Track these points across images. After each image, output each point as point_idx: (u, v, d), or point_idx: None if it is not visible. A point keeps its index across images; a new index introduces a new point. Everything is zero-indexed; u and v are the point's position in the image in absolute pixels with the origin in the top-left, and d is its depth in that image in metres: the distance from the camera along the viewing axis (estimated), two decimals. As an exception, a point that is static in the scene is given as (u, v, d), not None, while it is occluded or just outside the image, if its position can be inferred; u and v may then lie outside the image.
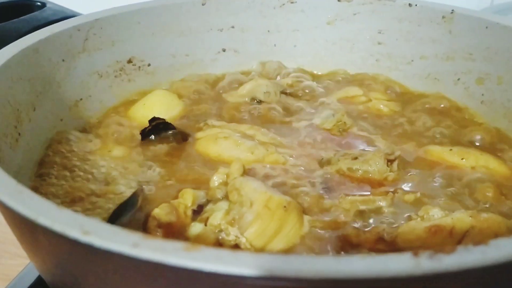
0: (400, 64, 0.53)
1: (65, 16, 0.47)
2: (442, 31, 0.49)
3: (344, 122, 0.45)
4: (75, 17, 0.45)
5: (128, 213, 0.34)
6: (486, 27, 0.45)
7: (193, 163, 0.41)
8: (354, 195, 0.36)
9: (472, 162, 0.40)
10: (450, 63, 0.49)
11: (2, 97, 0.35)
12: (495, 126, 0.45)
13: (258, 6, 0.54)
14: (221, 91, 0.52)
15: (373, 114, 0.48)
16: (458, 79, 0.48)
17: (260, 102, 0.50)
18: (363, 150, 0.41)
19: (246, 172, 0.38)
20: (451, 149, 0.41)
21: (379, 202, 0.35)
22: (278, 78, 0.55)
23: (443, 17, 0.48)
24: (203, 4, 0.53)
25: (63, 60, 0.43)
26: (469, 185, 0.37)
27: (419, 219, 0.33)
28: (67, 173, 0.38)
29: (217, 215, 0.32)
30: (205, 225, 0.32)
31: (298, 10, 0.54)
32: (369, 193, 0.36)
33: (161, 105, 0.48)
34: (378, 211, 0.35)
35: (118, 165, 0.40)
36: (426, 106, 0.48)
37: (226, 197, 0.35)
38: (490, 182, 0.37)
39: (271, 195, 0.32)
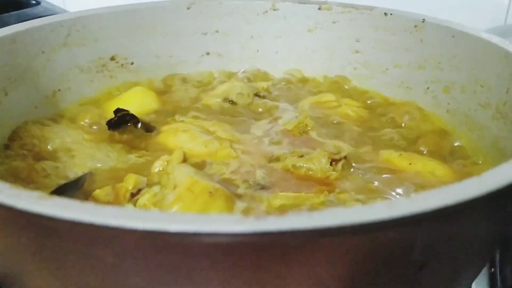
0: (376, 72, 0.53)
1: (55, 13, 0.51)
2: (415, 40, 0.49)
3: (306, 124, 0.46)
4: (60, 14, 0.48)
5: (70, 193, 0.36)
6: (453, 36, 0.45)
7: (150, 152, 0.43)
8: (288, 192, 0.37)
9: (419, 167, 0.39)
10: (421, 71, 0.49)
11: (-30, 79, 0.38)
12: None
13: (242, 12, 0.56)
14: (198, 91, 0.54)
15: (339, 119, 0.48)
16: (428, 88, 0.48)
17: (232, 102, 0.52)
18: (312, 149, 0.42)
19: (190, 162, 0.39)
20: (400, 154, 0.41)
21: (310, 200, 0.35)
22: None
23: (415, 26, 0.48)
24: (188, 8, 0.55)
25: (42, 52, 0.46)
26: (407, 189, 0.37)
27: (342, 213, 0.33)
28: (25, 152, 0.41)
29: (145, 197, 0.34)
30: (134, 205, 0.34)
31: (280, 17, 0.56)
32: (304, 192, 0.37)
33: (136, 100, 0.51)
34: (307, 207, 0.35)
35: (79, 150, 0.43)
36: (391, 115, 0.48)
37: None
38: (429, 187, 0.37)
39: (197, 179, 0.34)
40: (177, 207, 0.32)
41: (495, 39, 0.41)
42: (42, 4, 0.52)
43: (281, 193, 0.36)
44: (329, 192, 0.37)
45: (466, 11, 0.84)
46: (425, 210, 0.20)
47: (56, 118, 0.47)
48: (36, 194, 0.20)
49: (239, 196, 0.36)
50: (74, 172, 0.40)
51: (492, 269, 0.39)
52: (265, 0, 0.56)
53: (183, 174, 0.34)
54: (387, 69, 0.52)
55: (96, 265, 0.21)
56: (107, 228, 0.18)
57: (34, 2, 0.53)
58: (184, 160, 0.39)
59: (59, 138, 0.43)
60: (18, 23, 0.46)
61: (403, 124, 0.47)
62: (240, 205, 0.35)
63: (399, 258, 0.22)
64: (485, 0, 0.86)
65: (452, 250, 0.24)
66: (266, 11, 0.56)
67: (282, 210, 0.35)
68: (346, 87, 0.54)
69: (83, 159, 0.41)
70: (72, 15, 0.49)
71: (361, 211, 0.19)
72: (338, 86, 0.55)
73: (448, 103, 0.46)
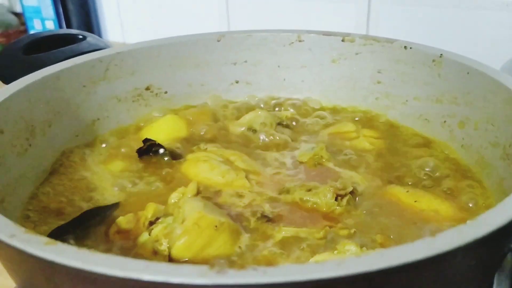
0: (397, 103, 0.54)
1: (99, 48, 0.56)
2: (433, 74, 0.50)
3: (321, 156, 0.48)
4: (100, 50, 0.53)
5: (97, 219, 0.41)
6: (468, 73, 0.45)
7: (173, 181, 0.47)
8: (291, 226, 0.39)
9: (424, 205, 0.40)
10: (439, 105, 0.50)
11: (17, 115, 0.43)
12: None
13: (269, 43, 0.59)
14: (226, 120, 0.58)
15: (356, 151, 0.50)
16: (445, 122, 0.49)
17: (255, 131, 0.55)
18: (324, 181, 0.44)
19: (207, 191, 0.43)
20: (407, 191, 0.42)
21: (309, 234, 0.38)
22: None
23: (433, 60, 0.49)
24: (218, 41, 0.59)
25: (83, 86, 0.52)
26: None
27: (335, 251, 0.35)
28: (66, 182, 0.46)
29: (158, 228, 0.38)
30: (149, 235, 0.38)
31: (305, 48, 0.58)
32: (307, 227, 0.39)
33: (167, 128, 0.55)
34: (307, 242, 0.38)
35: (111, 176, 0.47)
36: (409, 149, 0.49)
37: (176, 212, 0.40)
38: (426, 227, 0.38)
39: (204, 214, 0.37)
40: (184, 240, 0.36)
41: (503, 79, 0.41)
42: (88, 39, 0.58)
43: (283, 227, 0.39)
44: (331, 227, 0.39)
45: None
46: (370, 270, 0.22)
47: (92, 145, 0.52)
48: (43, 239, 0.24)
49: (246, 229, 0.39)
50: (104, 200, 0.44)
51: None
52: (291, 32, 0.58)
53: (192, 209, 0.37)
54: (407, 101, 0.53)
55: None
56: (92, 274, 0.22)
57: (80, 37, 0.58)
58: (198, 192, 0.42)
59: (90, 170, 0.48)
60: (65, 58, 0.52)
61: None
62: (245, 237, 0.38)
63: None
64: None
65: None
66: (292, 43, 0.59)
67: (282, 244, 0.37)
68: (367, 117, 0.56)
69: (112, 188, 0.46)
70: (111, 51, 0.54)
71: (311, 268, 0.22)
72: (360, 116, 0.56)
73: (463, 138, 0.47)
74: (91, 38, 0.59)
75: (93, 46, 0.57)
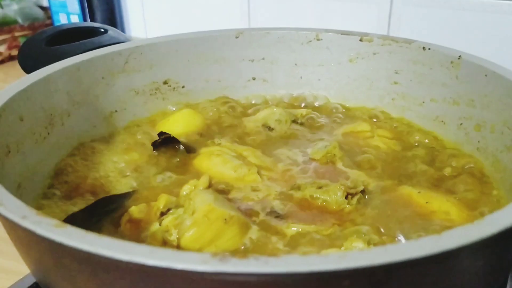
0: (413, 104, 0.54)
1: (119, 42, 0.57)
2: (450, 76, 0.49)
3: (334, 154, 0.48)
4: (120, 44, 0.54)
5: (111, 207, 0.42)
6: (486, 75, 0.45)
7: (186, 173, 0.47)
8: (299, 223, 0.39)
9: (435, 207, 0.40)
10: (456, 107, 0.49)
11: (37, 104, 0.44)
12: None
13: (287, 41, 0.59)
14: (241, 115, 0.58)
15: (370, 150, 0.50)
16: (461, 124, 0.48)
17: (270, 128, 0.55)
18: (335, 180, 0.44)
19: (219, 185, 0.43)
20: (419, 192, 0.42)
21: (318, 231, 0.38)
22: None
23: (452, 62, 0.49)
24: (236, 37, 0.59)
25: (102, 78, 0.52)
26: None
27: (343, 248, 0.35)
28: (82, 167, 0.47)
29: (169, 218, 0.38)
30: (159, 225, 0.39)
31: (323, 47, 0.58)
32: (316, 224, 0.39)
33: (183, 121, 0.56)
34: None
35: (127, 167, 0.48)
36: (423, 150, 0.49)
37: (187, 204, 0.40)
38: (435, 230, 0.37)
39: (214, 207, 0.37)
40: (193, 231, 0.36)
41: (523, 83, 0.40)
42: (109, 32, 0.59)
43: (292, 224, 0.39)
44: (339, 225, 0.39)
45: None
46: (373, 264, 0.22)
47: (111, 135, 0.53)
48: (53, 222, 0.25)
49: (255, 223, 0.39)
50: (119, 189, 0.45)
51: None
52: (309, 31, 0.58)
53: (202, 201, 0.38)
54: (423, 102, 0.53)
55: (98, 281, 0.25)
56: (98, 257, 0.23)
57: (102, 30, 0.59)
58: (210, 185, 0.43)
59: (106, 160, 0.49)
60: (86, 51, 0.53)
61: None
62: (254, 230, 0.38)
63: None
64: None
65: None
66: (310, 41, 0.59)
67: (290, 240, 0.37)
68: (383, 117, 0.55)
69: (126, 178, 0.47)
70: (130, 44, 0.55)
71: (314, 260, 0.22)
72: (375, 116, 0.56)
73: (479, 141, 0.46)
74: (112, 31, 0.60)
75: (114, 40, 0.58)
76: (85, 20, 1.17)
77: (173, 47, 0.57)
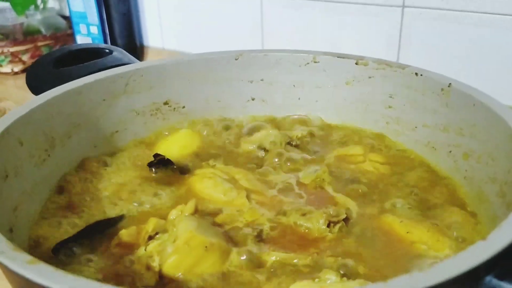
0: (406, 129, 0.54)
1: (123, 63, 0.59)
2: (441, 103, 0.49)
3: (323, 179, 0.49)
4: (121, 66, 0.56)
5: (100, 230, 0.44)
6: (474, 105, 0.45)
7: (178, 196, 0.49)
8: (279, 250, 0.40)
9: (415, 237, 0.41)
10: (446, 134, 0.49)
11: (37, 128, 0.47)
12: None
13: (285, 63, 0.60)
14: (238, 136, 0.59)
15: (359, 175, 0.51)
16: (450, 151, 0.49)
17: (265, 150, 0.56)
18: (315, 207, 0.45)
19: (208, 208, 0.45)
20: (401, 221, 0.42)
21: (296, 260, 0.39)
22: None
23: (442, 89, 0.49)
24: (236, 59, 0.61)
25: (103, 100, 0.55)
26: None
27: (317, 279, 0.36)
28: (80, 187, 0.49)
29: (154, 244, 0.40)
30: (145, 250, 0.40)
31: (320, 69, 0.59)
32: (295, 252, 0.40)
33: (180, 142, 0.58)
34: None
35: (122, 188, 0.50)
36: (412, 177, 0.49)
37: (173, 229, 0.42)
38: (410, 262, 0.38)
39: (195, 234, 0.39)
40: (173, 258, 0.38)
41: (507, 115, 0.40)
42: (114, 53, 0.61)
43: (273, 252, 0.40)
44: (318, 254, 0.40)
45: None
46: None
47: (111, 155, 0.55)
48: (27, 258, 0.27)
49: (237, 248, 0.41)
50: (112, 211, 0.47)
51: None
52: (307, 53, 0.59)
53: (185, 228, 0.39)
54: (416, 127, 0.53)
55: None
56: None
57: (107, 51, 0.61)
58: (196, 210, 0.44)
59: (107, 180, 0.51)
60: (90, 73, 0.56)
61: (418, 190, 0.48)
62: (235, 256, 0.40)
63: None
64: None
65: None
66: (308, 63, 0.60)
67: (269, 268, 0.39)
68: (377, 141, 0.56)
69: (123, 199, 0.49)
70: (131, 67, 0.57)
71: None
72: (369, 139, 0.56)
73: (466, 170, 0.46)
74: (116, 52, 0.62)
75: (117, 61, 0.60)
76: (103, 31, 1.20)
77: (173, 69, 0.59)
